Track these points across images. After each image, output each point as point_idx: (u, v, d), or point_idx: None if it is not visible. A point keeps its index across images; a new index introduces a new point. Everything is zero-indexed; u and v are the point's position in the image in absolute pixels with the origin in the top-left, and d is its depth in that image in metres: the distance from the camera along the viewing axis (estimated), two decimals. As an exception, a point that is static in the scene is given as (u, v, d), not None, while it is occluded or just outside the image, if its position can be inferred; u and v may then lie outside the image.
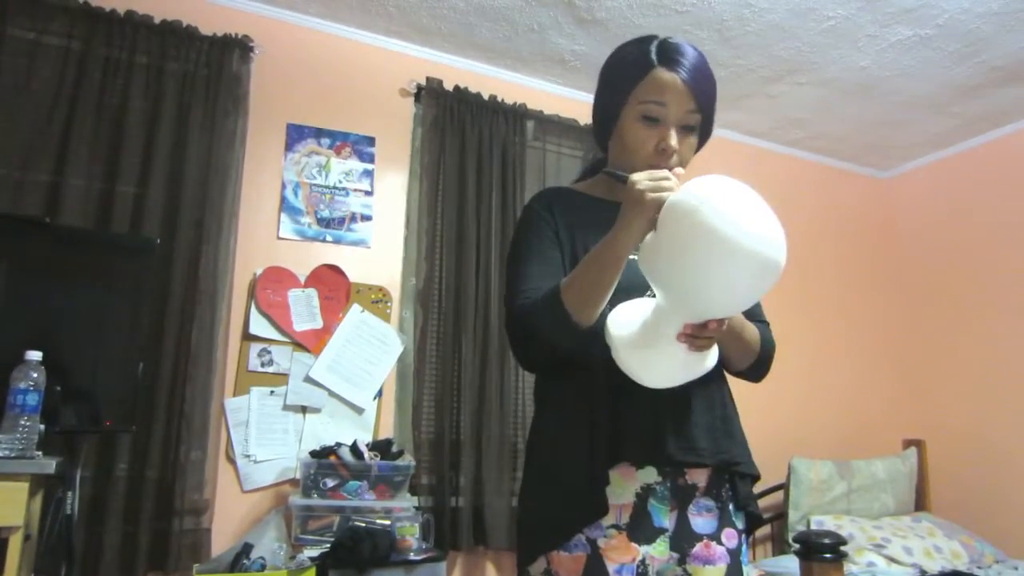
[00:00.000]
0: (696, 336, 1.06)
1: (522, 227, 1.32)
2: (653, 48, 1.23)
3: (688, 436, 1.18)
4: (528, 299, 1.18)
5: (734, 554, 1.21)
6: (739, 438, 1.27)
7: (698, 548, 1.17)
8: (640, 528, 1.16)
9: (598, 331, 1.15)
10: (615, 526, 1.15)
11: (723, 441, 1.22)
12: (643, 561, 1.15)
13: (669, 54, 1.22)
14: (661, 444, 1.16)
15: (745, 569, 1.23)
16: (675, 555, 1.17)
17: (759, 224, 0.96)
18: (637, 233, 1.06)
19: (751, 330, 1.24)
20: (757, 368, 1.28)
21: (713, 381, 1.23)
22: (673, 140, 1.21)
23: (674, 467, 1.19)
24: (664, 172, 1.07)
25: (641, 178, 1.06)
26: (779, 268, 0.97)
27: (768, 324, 1.34)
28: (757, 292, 1.01)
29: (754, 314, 1.32)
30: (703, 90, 1.22)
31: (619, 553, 1.14)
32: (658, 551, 1.16)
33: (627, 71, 1.25)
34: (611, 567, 1.13)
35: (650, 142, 1.22)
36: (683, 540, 1.17)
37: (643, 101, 1.21)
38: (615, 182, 1.26)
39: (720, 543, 1.20)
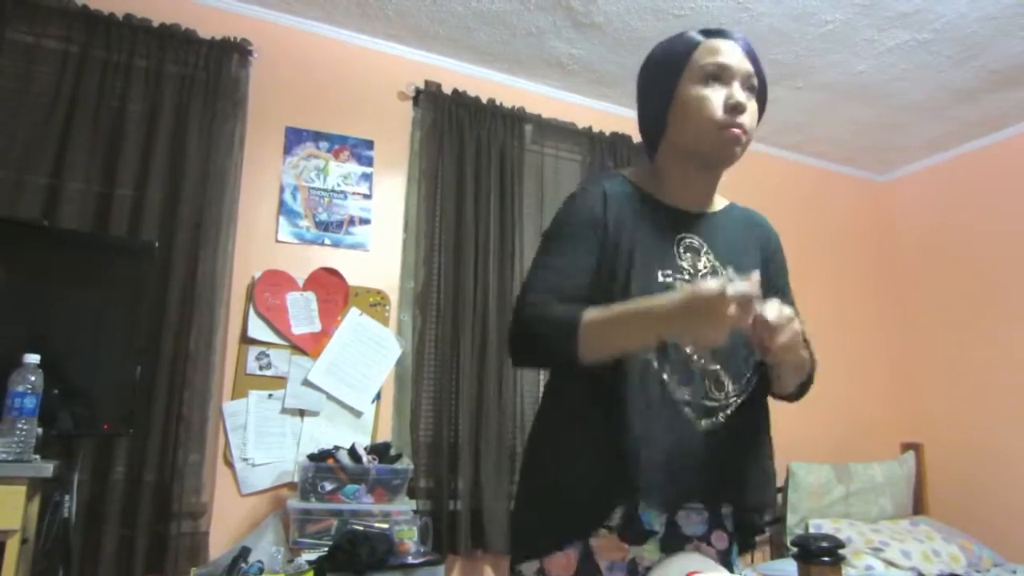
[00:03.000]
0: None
1: (567, 211, 1.24)
2: (695, 31, 1.24)
3: (708, 478, 1.16)
4: (538, 309, 1.13)
5: (724, 555, 1.22)
6: (763, 483, 1.23)
7: (688, 549, 1.18)
8: (630, 530, 1.16)
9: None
10: (606, 526, 1.16)
11: (743, 482, 1.20)
12: (633, 560, 1.16)
13: (716, 31, 1.22)
14: (678, 485, 1.14)
15: (736, 570, 1.24)
16: (665, 556, 1.17)
17: None
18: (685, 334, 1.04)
19: (804, 353, 1.18)
20: (801, 390, 1.27)
21: (744, 423, 1.20)
22: (741, 95, 1.16)
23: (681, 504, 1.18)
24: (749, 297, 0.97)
25: (726, 293, 0.95)
26: None
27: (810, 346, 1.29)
28: None
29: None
30: (754, 56, 1.21)
31: (610, 552, 1.15)
32: (648, 552, 1.16)
33: (676, 52, 1.22)
34: (603, 564, 1.14)
35: (718, 100, 1.16)
36: (673, 542, 1.18)
37: (702, 64, 1.18)
38: (662, 176, 1.26)
39: (710, 544, 1.20)
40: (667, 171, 1.27)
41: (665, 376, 1.15)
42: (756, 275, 1.00)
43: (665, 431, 1.13)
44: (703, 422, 1.16)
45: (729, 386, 1.18)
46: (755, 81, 1.19)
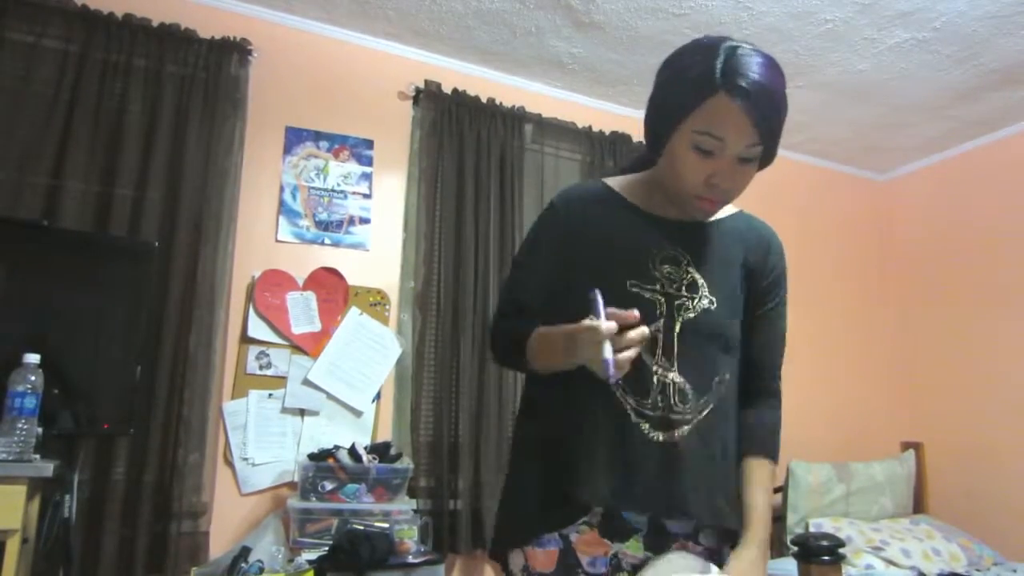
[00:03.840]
0: None
1: (538, 222, 1.31)
2: (719, 64, 1.07)
3: (671, 492, 1.12)
4: (499, 323, 1.27)
5: (713, 553, 1.20)
6: (732, 495, 1.20)
7: (674, 548, 1.17)
8: (612, 527, 1.16)
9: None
10: (586, 523, 1.16)
11: (714, 502, 1.16)
12: (616, 555, 1.16)
13: (736, 77, 1.06)
14: (641, 497, 1.12)
15: (727, 569, 1.23)
16: (650, 554, 1.16)
17: None
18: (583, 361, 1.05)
19: (767, 503, 1.20)
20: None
21: (709, 437, 1.16)
22: (726, 179, 1.12)
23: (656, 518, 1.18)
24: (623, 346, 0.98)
25: (602, 336, 0.97)
26: None
27: (778, 392, 1.30)
28: None
29: (769, 370, 1.28)
30: (768, 122, 1.08)
31: (591, 547, 1.15)
32: (632, 548, 1.16)
33: (688, 89, 1.10)
34: (584, 559, 1.15)
35: (702, 174, 1.12)
36: (657, 540, 1.17)
37: (699, 131, 1.09)
38: (655, 189, 1.24)
39: (697, 542, 1.19)
40: (659, 184, 1.24)
41: (616, 390, 1.13)
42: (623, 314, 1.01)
43: (611, 441, 1.12)
44: (660, 435, 1.12)
45: (692, 399, 1.15)
46: (756, 150, 1.10)
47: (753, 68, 1.06)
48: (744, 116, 1.06)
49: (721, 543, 1.22)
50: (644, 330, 1.00)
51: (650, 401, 1.13)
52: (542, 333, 1.16)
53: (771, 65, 1.09)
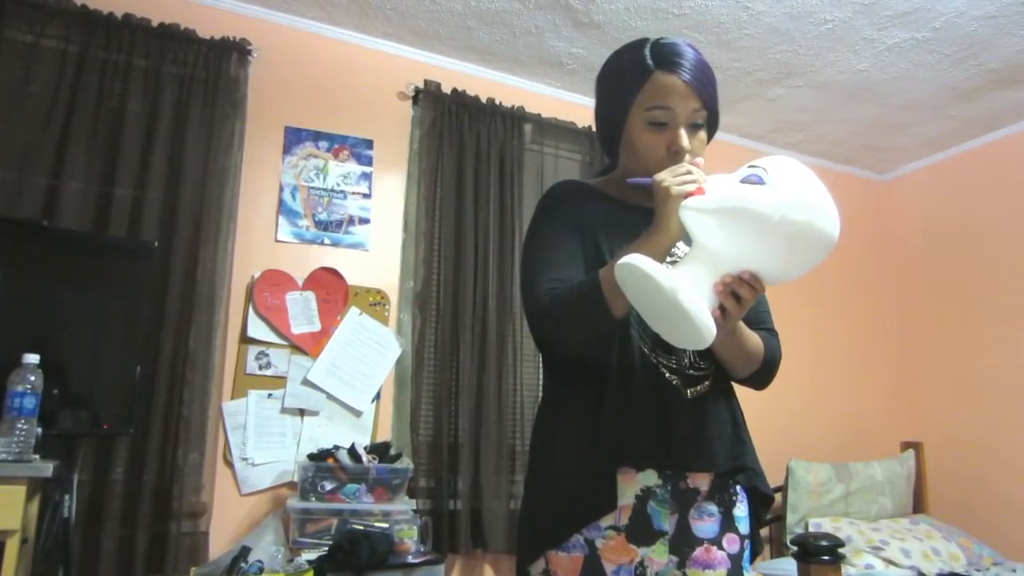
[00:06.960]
0: (735, 289, 1.03)
1: (545, 212, 1.30)
2: (648, 52, 1.21)
3: (700, 442, 1.19)
4: (555, 292, 1.16)
5: (735, 559, 1.20)
6: (751, 449, 1.27)
7: (698, 552, 1.17)
8: (639, 530, 1.16)
9: (616, 331, 1.17)
10: (613, 527, 1.15)
11: (735, 448, 1.23)
12: (641, 563, 1.15)
13: (666, 56, 1.20)
14: (672, 449, 1.16)
15: (747, 573, 1.23)
16: (674, 558, 1.16)
17: (834, 213, 1.11)
18: (675, 233, 1.06)
19: (754, 339, 1.23)
20: (760, 376, 1.27)
21: (723, 393, 1.26)
22: (684, 141, 1.19)
23: (677, 471, 1.19)
24: (685, 167, 1.08)
25: (664, 176, 1.08)
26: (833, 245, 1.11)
27: (776, 333, 1.33)
28: (812, 266, 1.12)
29: (762, 321, 1.31)
30: (705, 87, 1.20)
31: (617, 554, 1.14)
32: (657, 553, 1.16)
33: (626, 80, 1.23)
34: (608, 568, 1.13)
35: (661, 147, 1.20)
36: (683, 544, 1.17)
37: (648, 108, 1.20)
38: (625, 184, 1.27)
39: (721, 548, 1.19)
40: (627, 178, 1.28)
41: (646, 348, 1.19)
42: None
43: (650, 396, 1.17)
44: (689, 390, 1.20)
45: (707, 357, 1.22)
46: (702, 114, 1.21)
47: (678, 47, 1.21)
48: (683, 84, 1.18)
49: (744, 542, 1.23)
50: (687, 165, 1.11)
51: (674, 357, 1.20)
52: (615, 261, 1.04)
53: (691, 44, 1.24)
